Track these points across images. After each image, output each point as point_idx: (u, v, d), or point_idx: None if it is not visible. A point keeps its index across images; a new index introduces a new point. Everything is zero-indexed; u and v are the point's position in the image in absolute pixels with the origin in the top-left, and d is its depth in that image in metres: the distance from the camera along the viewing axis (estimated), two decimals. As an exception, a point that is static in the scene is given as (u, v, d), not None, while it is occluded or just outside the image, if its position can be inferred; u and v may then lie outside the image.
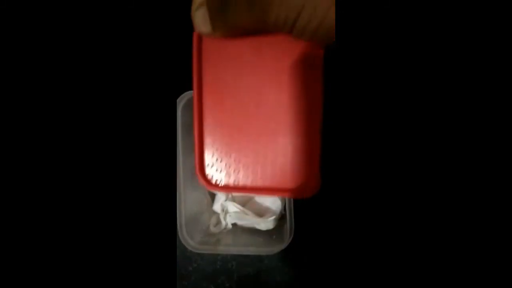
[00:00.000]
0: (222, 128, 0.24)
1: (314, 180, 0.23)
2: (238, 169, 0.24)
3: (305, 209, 0.24)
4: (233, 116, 0.23)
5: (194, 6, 0.19)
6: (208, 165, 0.24)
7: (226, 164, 0.24)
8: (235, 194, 0.40)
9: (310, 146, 0.23)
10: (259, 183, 0.24)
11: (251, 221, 0.39)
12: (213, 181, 0.25)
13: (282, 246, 0.29)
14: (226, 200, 0.41)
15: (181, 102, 0.36)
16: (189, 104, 0.35)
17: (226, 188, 0.24)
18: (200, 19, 0.19)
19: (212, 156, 0.24)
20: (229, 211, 0.40)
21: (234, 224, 0.41)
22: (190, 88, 0.25)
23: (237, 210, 0.39)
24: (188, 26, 0.20)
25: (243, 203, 0.41)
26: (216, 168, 0.24)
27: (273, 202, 0.39)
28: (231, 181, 0.24)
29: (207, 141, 0.24)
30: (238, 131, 0.24)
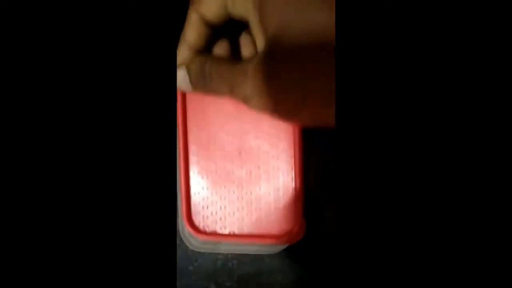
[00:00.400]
0: (207, 175, 0.24)
1: (298, 227, 0.23)
2: (224, 216, 0.24)
3: (308, 209, 0.24)
4: (218, 164, 0.24)
5: (178, 62, 0.20)
6: (194, 212, 0.25)
7: (212, 212, 0.25)
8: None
9: (293, 191, 0.23)
10: (245, 230, 0.24)
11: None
12: (200, 228, 0.25)
13: (284, 245, 0.28)
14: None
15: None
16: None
17: (213, 235, 0.25)
18: (182, 79, 0.20)
19: (199, 203, 0.25)
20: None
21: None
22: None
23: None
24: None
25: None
26: (203, 215, 0.25)
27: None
28: (217, 228, 0.25)
29: (193, 188, 0.25)
30: (223, 178, 0.24)
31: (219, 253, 0.28)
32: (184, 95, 0.24)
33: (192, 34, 0.20)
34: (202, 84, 0.20)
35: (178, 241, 0.29)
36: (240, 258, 0.28)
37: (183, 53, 0.20)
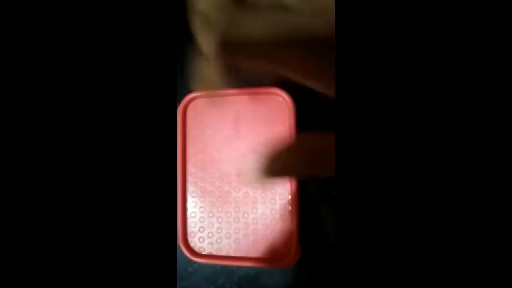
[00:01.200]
0: (204, 197, 0.25)
1: (293, 251, 0.23)
2: (220, 238, 0.24)
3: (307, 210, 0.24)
4: (215, 185, 0.24)
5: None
6: (190, 234, 0.25)
7: (209, 233, 0.25)
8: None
9: (289, 214, 0.24)
10: (241, 252, 0.24)
11: None
12: (196, 250, 0.25)
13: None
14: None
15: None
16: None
17: (209, 257, 0.25)
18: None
19: (195, 225, 0.25)
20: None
21: None
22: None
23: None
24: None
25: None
26: (199, 237, 0.25)
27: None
28: (213, 251, 0.25)
29: (190, 210, 0.25)
30: (220, 200, 0.24)
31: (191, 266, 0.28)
32: (184, 117, 0.24)
33: None
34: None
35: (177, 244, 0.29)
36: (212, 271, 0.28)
37: None
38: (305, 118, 0.24)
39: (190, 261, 0.25)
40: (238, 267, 0.26)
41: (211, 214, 0.24)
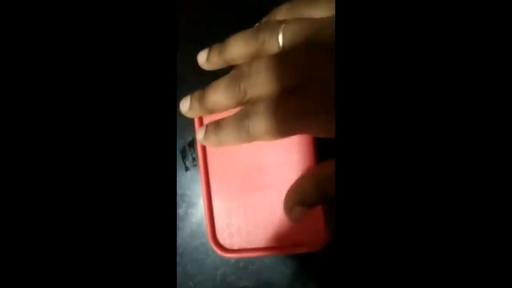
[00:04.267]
0: (229, 192, 0.25)
1: (322, 232, 0.24)
2: (249, 230, 0.25)
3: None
4: (238, 180, 0.25)
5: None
6: (219, 231, 0.25)
7: (237, 228, 0.25)
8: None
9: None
10: (272, 242, 0.25)
11: None
12: (226, 246, 0.25)
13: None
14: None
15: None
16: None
17: (241, 251, 0.25)
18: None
19: (222, 221, 0.25)
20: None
21: None
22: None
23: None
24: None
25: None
26: (228, 233, 0.25)
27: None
28: (244, 244, 0.25)
29: (216, 207, 0.25)
30: (245, 194, 0.25)
31: (218, 269, 0.28)
32: (201, 118, 0.25)
33: None
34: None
35: (178, 259, 0.29)
36: (238, 273, 0.28)
37: None
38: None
39: (191, 275, 0.25)
40: (236, 280, 0.27)
41: (237, 208, 0.25)
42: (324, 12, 0.21)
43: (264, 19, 0.24)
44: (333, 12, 0.20)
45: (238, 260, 0.29)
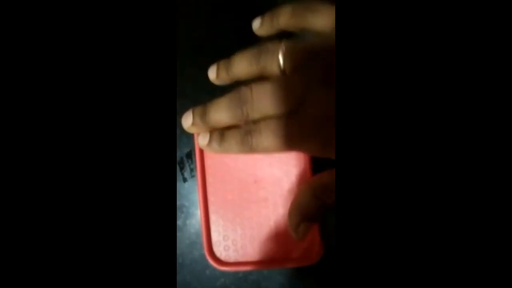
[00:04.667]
0: (225, 205, 0.25)
1: (317, 246, 0.24)
2: (245, 244, 0.25)
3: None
4: (235, 193, 0.25)
5: None
6: (215, 243, 0.25)
7: (233, 240, 0.25)
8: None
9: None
10: (267, 255, 0.25)
11: None
12: (222, 259, 0.25)
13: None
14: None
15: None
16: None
17: (237, 264, 0.25)
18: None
19: (219, 234, 0.25)
20: None
21: None
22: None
23: None
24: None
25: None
26: (224, 246, 0.25)
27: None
28: (239, 257, 0.25)
29: (213, 219, 0.25)
30: (241, 207, 0.25)
31: (217, 279, 0.28)
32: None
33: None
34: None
35: (177, 270, 0.29)
36: (238, 283, 0.28)
37: None
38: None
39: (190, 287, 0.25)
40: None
41: (234, 221, 0.25)
42: (325, 21, 0.22)
43: (266, 18, 0.25)
44: (333, 21, 0.21)
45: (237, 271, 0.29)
